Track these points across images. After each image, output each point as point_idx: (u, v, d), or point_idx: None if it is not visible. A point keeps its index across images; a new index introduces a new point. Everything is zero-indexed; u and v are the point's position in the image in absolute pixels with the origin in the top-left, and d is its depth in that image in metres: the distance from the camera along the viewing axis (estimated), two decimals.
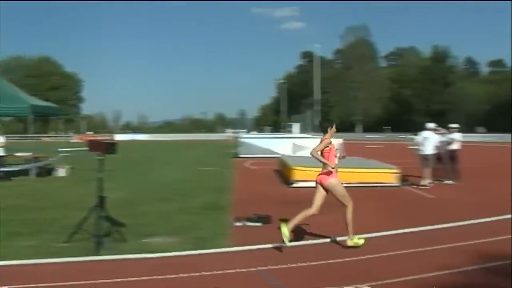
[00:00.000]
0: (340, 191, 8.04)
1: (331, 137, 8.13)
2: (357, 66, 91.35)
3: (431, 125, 16.91)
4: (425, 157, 16.22)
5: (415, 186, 15.85)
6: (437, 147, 16.44)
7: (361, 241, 8.06)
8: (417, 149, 16.61)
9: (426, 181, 16.02)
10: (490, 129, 71.93)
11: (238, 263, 7.03)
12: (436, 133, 16.87)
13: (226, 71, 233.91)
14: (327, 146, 7.95)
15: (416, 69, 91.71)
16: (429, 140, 16.27)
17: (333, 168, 7.91)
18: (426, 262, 7.13)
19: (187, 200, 12.83)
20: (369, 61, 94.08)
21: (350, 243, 8.05)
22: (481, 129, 74.54)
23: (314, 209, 8.04)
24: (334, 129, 8.18)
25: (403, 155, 32.92)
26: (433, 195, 14.05)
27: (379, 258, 7.44)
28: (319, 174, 8.07)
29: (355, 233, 7.99)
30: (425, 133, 16.49)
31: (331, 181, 7.97)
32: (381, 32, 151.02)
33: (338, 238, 8.49)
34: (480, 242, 8.41)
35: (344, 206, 8.06)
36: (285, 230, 7.73)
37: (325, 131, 8.20)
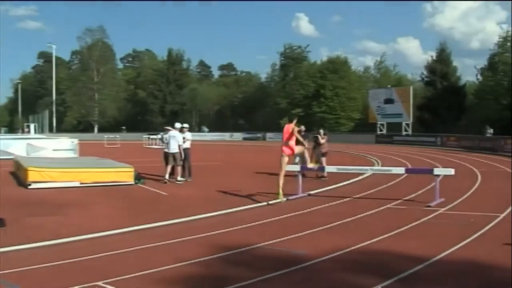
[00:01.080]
0: (286, 162, 12.85)
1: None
2: (94, 67, 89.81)
3: (177, 124, 17.70)
4: (173, 155, 16.91)
5: (166, 181, 16.59)
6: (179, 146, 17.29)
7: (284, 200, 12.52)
8: (165, 148, 17.27)
9: (179, 178, 16.87)
10: (219, 129, 76.57)
11: None
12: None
13: None
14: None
15: (152, 71, 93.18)
16: (175, 139, 17.00)
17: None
18: (163, 256, 7.44)
19: None
20: (106, 62, 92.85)
21: (279, 198, 12.44)
22: (205, 128, 78.57)
23: (283, 171, 12.72)
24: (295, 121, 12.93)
25: (139, 154, 33.67)
26: (167, 192, 14.63)
27: (117, 255, 7.59)
28: (285, 147, 12.68)
29: None
30: (172, 132, 17.21)
31: (285, 155, 12.67)
32: (118, 34, 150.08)
33: (73, 238, 8.55)
34: (213, 234, 9.05)
35: (281, 171, 12.64)
36: (279, 192, 12.42)
37: (291, 121, 12.92)
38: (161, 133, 18.44)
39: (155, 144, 39.78)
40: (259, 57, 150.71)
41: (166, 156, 17.09)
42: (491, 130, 40.37)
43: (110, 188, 15.36)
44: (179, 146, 16.93)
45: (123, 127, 78.09)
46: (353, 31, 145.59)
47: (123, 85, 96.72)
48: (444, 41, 59.56)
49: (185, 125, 18.23)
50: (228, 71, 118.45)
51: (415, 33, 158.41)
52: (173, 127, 17.55)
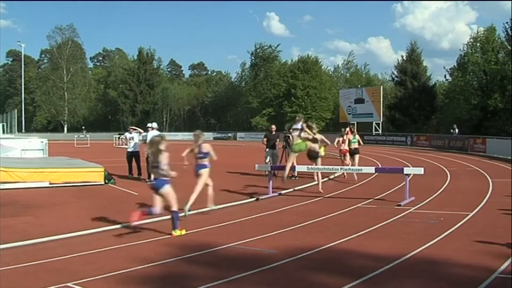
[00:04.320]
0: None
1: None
2: (64, 67, 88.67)
3: (155, 124, 17.68)
4: None
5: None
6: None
7: None
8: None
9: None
10: (190, 129, 76.39)
11: None
12: (135, 132, 17.78)
13: None
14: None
15: (123, 70, 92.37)
16: None
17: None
18: (132, 257, 7.39)
19: None
20: (77, 61, 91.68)
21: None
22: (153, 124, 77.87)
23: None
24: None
25: (109, 154, 33.30)
26: (137, 192, 14.50)
27: (87, 256, 7.53)
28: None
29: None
30: (154, 132, 17.18)
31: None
32: (88, 33, 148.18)
33: (43, 239, 8.44)
34: (184, 234, 9.01)
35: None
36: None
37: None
38: (126, 133, 18.37)
39: (125, 144, 39.45)
40: (230, 57, 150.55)
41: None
42: (457, 130, 40.75)
43: (80, 188, 15.19)
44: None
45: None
46: (325, 31, 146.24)
47: (93, 84, 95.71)
48: (414, 41, 59.87)
49: (153, 124, 18.20)
50: (199, 70, 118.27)
51: (386, 33, 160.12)
52: (146, 127, 17.64)
